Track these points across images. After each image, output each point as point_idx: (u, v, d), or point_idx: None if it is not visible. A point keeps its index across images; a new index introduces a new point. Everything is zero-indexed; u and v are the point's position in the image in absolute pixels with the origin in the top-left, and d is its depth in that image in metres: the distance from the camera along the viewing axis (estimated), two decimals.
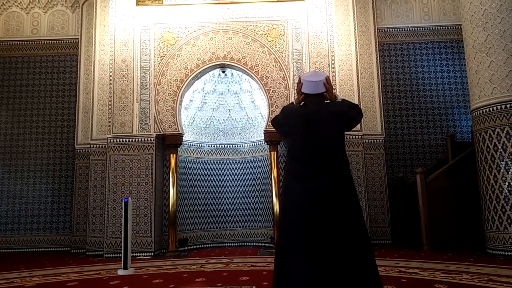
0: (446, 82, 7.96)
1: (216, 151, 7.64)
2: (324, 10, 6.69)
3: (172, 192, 6.43)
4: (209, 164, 7.55)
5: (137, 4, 6.72)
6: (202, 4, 6.74)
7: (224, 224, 7.42)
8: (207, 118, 7.60)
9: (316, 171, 2.24)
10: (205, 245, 7.13)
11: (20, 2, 8.15)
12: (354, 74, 6.87)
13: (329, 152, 2.28)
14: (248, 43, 6.64)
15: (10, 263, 5.86)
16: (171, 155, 6.54)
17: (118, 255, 5.68)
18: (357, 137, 6.66)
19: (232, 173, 7.63)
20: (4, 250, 7.41)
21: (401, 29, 8.08)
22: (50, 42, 8.12)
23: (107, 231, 6.21)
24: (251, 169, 7.53)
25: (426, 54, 8.04)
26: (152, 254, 6.10)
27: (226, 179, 7.61)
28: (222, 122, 7.70)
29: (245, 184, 7.54)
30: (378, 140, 7.08)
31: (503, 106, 5.08)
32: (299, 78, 2.49)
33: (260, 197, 7.27)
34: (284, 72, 6.55)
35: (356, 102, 6.63)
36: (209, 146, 7.60)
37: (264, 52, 6.61)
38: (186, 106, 7.13)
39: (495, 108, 5.15)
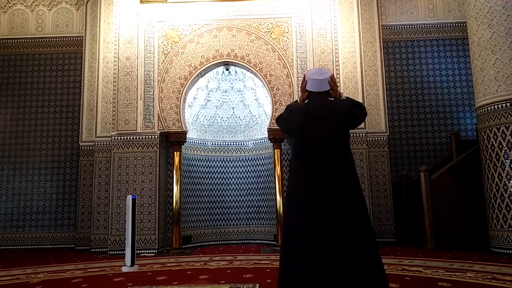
0: (451, 79, 7.92)
1: (219, 148, 7.65)
2: (328, 7, 6.66)
3: (176, 189, 6.45)
4: (212, 162, 7.57)
5: (141, 1, 6.73)
6: (206, 1, 6.74)
7: (228, 222, 7.44)
8: (210, 116, 7.61)
9: (320, 170, 2.23)
10: (209, 243, 7.15)
11: None
12: (358, 71, 6.86)
13: (333, 150, 2.26)
14: (252, 41, 6.63)
15: (15, 259, 5.89)
16: (175, 152, 6.56)
17: (122, 252, 5.71)
18: (361, 135, 6.67)
19: (236, 171, 7.64)
20: (9, 247, 7.46)
21: (405, 26, 8.03)
22: (55, 39, 8.14)
23: (111, 228, 6.24)
24: (254, 167, 7.53)
25: (430, 51, 7.99)
26: (156, 251, 6.12)
27: (229, 176, 7.62)
28: (226, 120, 7.71)
29: (248, 182, 7.54)
30: (382, 138, 7.07)
31: (508, 104, 5.05)
32: (304, 76, 2.48)
33: (264, 195, 7.28)
34: (288, 70, 6.54)
35: (360, 99, 6.63)
36: (212, 143, 7.61)
37: (268, 49, 6.60)
38: (190, 104, 7.14)
39: (500, 106, 5.12)
